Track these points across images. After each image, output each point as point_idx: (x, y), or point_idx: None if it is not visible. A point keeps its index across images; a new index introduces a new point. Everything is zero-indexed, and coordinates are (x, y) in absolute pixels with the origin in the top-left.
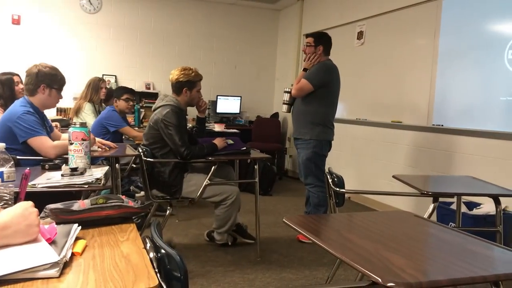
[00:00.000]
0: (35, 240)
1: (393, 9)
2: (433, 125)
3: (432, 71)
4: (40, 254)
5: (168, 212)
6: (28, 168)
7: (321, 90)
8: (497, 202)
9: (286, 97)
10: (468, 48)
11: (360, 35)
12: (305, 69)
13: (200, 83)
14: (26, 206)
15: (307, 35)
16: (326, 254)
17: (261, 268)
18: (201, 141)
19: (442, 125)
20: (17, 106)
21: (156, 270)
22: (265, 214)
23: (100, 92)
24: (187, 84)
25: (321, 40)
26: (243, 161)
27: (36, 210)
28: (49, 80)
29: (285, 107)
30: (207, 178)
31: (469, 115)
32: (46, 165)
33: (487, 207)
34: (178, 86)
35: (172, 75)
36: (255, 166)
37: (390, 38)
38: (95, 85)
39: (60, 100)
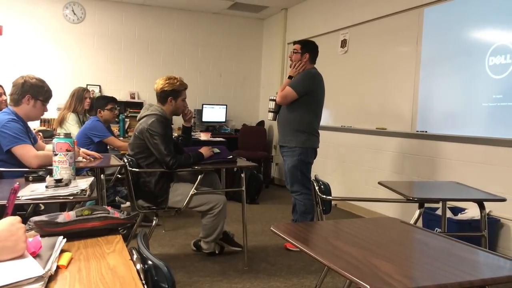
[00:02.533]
0: (21, 255)
1: (376, 17)
2: (417, 131)
3: (415, 78)
4: (24, 268)
5: (154, 222)
6: (17, 183)
7: (305, 97)
8: (482, 207)
9: (272, 105)
10: (450, 55)
11: (343, 43)
12: (290, 77)
13: (185, 92)
14: (13, 222)
15: (295, 42)
16: (314, 261)
17: (249, 277)
18: (187, 150)
19: (426, 131)
20: (1, 115)
21: (143, 281)
22: (252, 222)
23: (84, 102)
24: (172, 93)
25: (308, 47)
26: (230, 170)
27: (23, 225)
28: (35, 91)
29: (270, 115)
30: (194, 188)
31: (452, 121)
32: (30, 177)
33: (471, 212)
34: (163, 96)
35: (157, 85)
36: (242, 175)
37: (373, 46)
38: (79, 95)
39: (45, 112)
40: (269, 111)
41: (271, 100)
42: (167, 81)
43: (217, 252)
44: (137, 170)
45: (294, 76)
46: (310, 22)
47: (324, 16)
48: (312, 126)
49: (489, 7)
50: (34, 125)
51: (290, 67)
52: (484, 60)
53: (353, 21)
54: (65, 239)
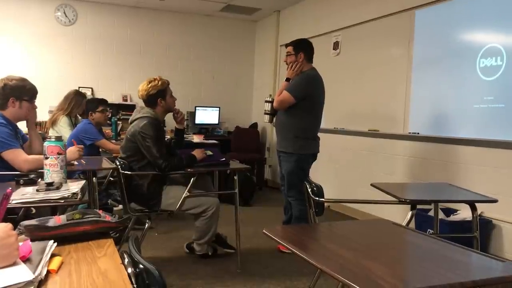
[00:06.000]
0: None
1: (368, 19)
2: (409, 133)
3: (407, 80)
4: (13, 272)
5: (147, 225)
6: (10, 188)
7: (304, 102)
8: (473, 208)
9: (267, 107)
10: (441, 57)
11: (336, 45)
12: (287, 79)
13: (169, 87)
14: (5, 229)
15: (286, 45)
16: (307, 264)
17: (242, 279)
18: (180, 152)
19: (418, 133)
20: None
21: (135, 285)
22: (245, 225)
23: (81, 108)
24: (159, 94)
25: (301, 46)
26: (223, 172)
27: (15, 233)
28: (17, 92)
29: (267, 117)
30: (186, 190)
31: (444, 123)
32: (21, 180)
33: (464, 213)
34: (151, 99)
35: (141, 92)
36: (235, 177)
37: (365, 48)
38: (78, 100)
39: (35, 109)
40: (265, 113)
41: (266, 101)
42: (149, 85)
43: (210, 254)
44: (129, 173)
45: (292, 77)
46: (302, 24)
47: (316, 18)
48: (310, 131)
49: (480, 9)
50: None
51: (287, 70)
52: (475, 62)
53: (345, 23)
54: (55, 243)
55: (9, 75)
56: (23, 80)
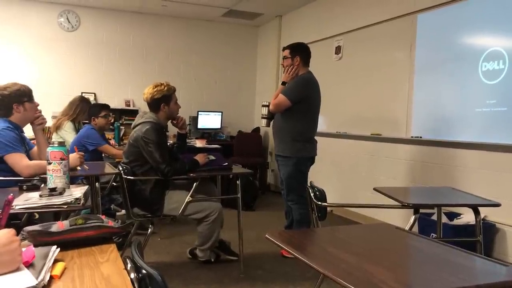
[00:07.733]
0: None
1: (370, 23)
2: (412, 137)
3: (410, 84)
4: (17, 278)
5: (149, 230)
6: (11, 194)
7: (300, 105)
8: (477, 212)
9: (264, 111)
10: (443, 60)
11: (338, 50)
12: (283, 83)
13: (175, 94)
14: (8, 235)
15: (284, 48)
16: (310, 268)
17: (245, 285)
18: (182, 157)
19: (420, 137)
20: None
21: None
22: (248, 229)
23: (86, 114)
24: (163, 99)
25: (297, 50)
26: (225, 177)
27: (18, 238)
28: (17, 97)
29: (264, 121)
30: (189, 195)
31: (446, 127)
32: (24, 186)
33: (467, 217)
34: (155, 104)
35: (146, 94)
36: (237, 182)
37: (367, 52)
38: (84, 107)
39: (38, 106)
40: (262, 117)
41: (263, 106)
42: (155, 89)
43: (212, 260)
44: (132, 178)
45: (288, 81)
46: (304, 29)
47: (318, 23)
48: (307, 134)
49: (482, 13)
50: (31, 134)
51: (283, 73)
52: (478, 66)
53: (347, 27)
54: (58, 249)
55: (0, 85)
56: (15, 84)
